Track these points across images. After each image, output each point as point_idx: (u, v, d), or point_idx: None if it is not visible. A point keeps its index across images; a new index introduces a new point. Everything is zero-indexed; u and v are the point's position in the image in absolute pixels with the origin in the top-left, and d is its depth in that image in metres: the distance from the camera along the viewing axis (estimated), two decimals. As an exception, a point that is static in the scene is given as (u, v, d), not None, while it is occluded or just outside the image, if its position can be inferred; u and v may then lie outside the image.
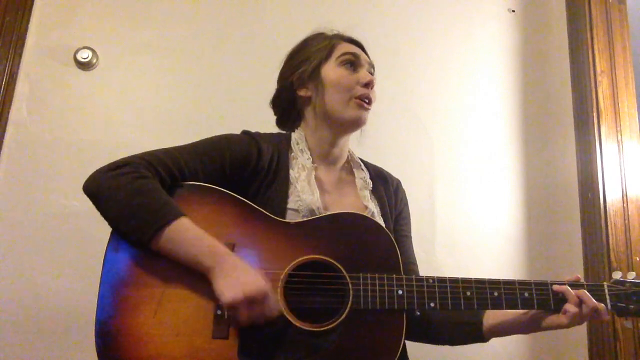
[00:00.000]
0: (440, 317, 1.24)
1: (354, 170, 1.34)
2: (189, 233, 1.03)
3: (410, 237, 1.37)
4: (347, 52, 1.28)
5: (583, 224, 1.99)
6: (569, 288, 1.11)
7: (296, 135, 1.31)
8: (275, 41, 1.93)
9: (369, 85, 1.26)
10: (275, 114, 1.38)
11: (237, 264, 1.01)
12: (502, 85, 2.12)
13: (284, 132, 1.36)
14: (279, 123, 1.39)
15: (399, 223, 1.35)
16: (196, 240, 1.02)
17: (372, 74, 1.32)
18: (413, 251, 1.35)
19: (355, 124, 1.27)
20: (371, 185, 1.32)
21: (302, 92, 1.30)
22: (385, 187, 1.36)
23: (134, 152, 1.12)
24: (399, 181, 1.42)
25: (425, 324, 1.24)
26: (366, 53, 1.34)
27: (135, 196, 1.03)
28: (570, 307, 1.09)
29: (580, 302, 1.10)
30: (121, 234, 1.04)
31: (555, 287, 1.12)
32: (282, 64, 1.36)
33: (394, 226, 1.32)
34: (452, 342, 1.28)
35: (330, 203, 1.23)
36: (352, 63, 1.28)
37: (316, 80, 1.27)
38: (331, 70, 1.27)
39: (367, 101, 1.26)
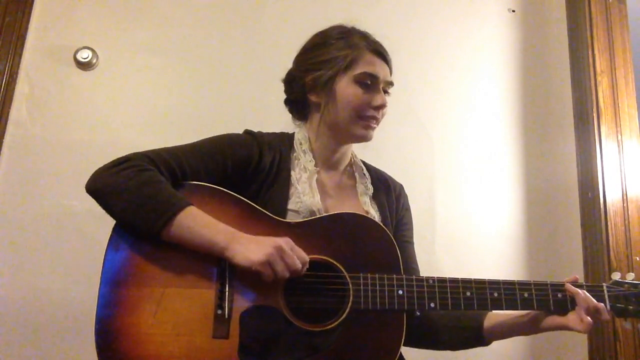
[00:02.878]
0: (441, 322, 1.24)
1: (356, 174, 1.33)
2: (200, 219, 1.04)
3: (413, 243, 1.36)
4: (367, 72, 1.22)
5: (583, 224, 2.00)
6: (579, 291, 1.10)
7: (299, 135, 1.30)
8: (276, 41, 1.93)
9: (380, 108, 1.23)
10: (285, 93, 1.34)
11: (252, 237, 1.04)
12: (502, 85, 2.12)
13: (287, 131, 1.35)
14: (287, 103, 1.34)
15: (400, 229, 1.34)
16: (209, 224, 1.04)
17: (387, 91, 1.27)
18: (415, 257, 1.34)
19: (360, 140, 1.26)
20: (372, 191, 1.31)
21: (312, 97, 1.27)
22: (387, 192, 1.35)
23: (135, 152, 1.12)
24: (401, 186, 1.40)
25: (425, 329, 1.24)
26: (389, 64, 1.28)
27: (142, 187, 1.03)
28: (584, 317, 1.08)
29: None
30: (129, 228, 1.04)
31: (569, 287, 1.12)
32: (301, 50, 1.31)
33: (395, 232, 1.31)
34: (453, 347, 1.27)
35: (331, 206, 1.23)
36: (369, 83, 1.23)
37: (329, 91, 1.23)
38: (345, 86, 1.22)
39: (374, 122, 1.24)
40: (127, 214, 1.03)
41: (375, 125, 1.25)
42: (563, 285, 1.13)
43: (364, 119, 1.22)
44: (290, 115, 1.35)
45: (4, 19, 1.77)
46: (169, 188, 1.06)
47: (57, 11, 1.84)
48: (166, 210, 1.02)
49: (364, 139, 1.25)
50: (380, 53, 1.26)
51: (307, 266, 1.04)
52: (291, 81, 1.30)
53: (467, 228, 1.96)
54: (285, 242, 1.02)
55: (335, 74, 1.22)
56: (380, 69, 1.24)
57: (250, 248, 1.01)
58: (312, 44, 1.29)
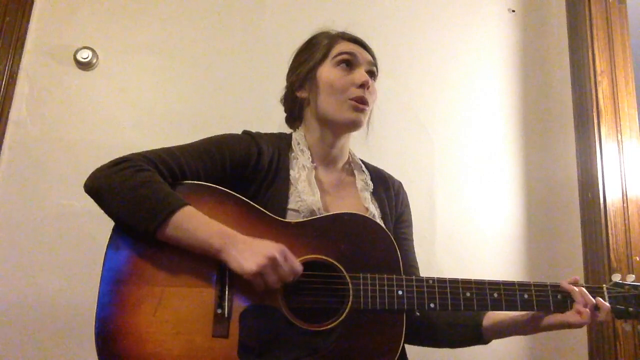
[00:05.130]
0: (440, 320, 1.24)
1: (355, 171, 1.33)
2: (195, 219, 1.03)
3: (412, 241, 1.36)
4: (343, 51, 1.25)
5: (583, 224, 1.99)
6: (575, 288, 1.11)
7: (296, 135, 1.30)
8: (276, 41, 1.93)
9: (364, 86, 1.22)
10: (285, 112, 1.38)
11: (247, 239, 1.03)
12: (502, 86, 2.12)
13: (285, 132, 1.36)
14: (287, 121, 1.38)
15: (400, 226, 1.34)
16: (204, 225, 1.03)
17: (373, 72, 1.29)
18: (414, 254, 1.35)
19: (351, 126, 1.25)
20: (372, 187, 1.31)
21: (299, 93, 1.29)
22: (386, 189, 1.35)
23: (134, 152, 1.12)
24: (400, 183, 1.41)
25: (425, 327, 1.24)
26: (369, 51, 1.30)
27: (139, 188, 1.03)
28: (582, 309, 1.09)
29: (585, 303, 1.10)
30: (126, 228, 1.04)
31: (564, 285, 1.12)
32: (289, 63, 1.35)
33: (394, 229, 1.31)
34: (452, 344, 1.28)
35: (331, 204, 1.23)
36: (348, 62, 1.24)
37: (312, 82, 1.26)
38: (326, 72, 1.25)
39: (362, 103, 1.22)
40: (123, 214, 1.03)
41: (364, 108, 1.23)
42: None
43: (350, 101, 1.22)
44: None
45: (4, 19, 1.77)
46: (165, 188, 1.05)
47: (57, 11, 1.84)
48: (161, 211, 1.01)
49: (355, 123, 1.24)
50: (357, 40, 1.30)
51: (300, 274, 1.03)
52: (285, 95, 1.34)
53: (467, 228, 1.96)
54: (279, 252, 1.00)
55: (315, 64, 1.26)
56: (357, 50, 1.27)
57: (245, 256, 0.99)
58: (297, 52, 1.34)
